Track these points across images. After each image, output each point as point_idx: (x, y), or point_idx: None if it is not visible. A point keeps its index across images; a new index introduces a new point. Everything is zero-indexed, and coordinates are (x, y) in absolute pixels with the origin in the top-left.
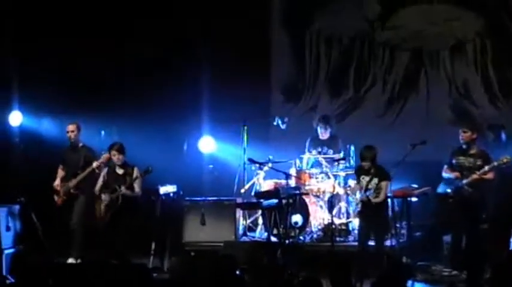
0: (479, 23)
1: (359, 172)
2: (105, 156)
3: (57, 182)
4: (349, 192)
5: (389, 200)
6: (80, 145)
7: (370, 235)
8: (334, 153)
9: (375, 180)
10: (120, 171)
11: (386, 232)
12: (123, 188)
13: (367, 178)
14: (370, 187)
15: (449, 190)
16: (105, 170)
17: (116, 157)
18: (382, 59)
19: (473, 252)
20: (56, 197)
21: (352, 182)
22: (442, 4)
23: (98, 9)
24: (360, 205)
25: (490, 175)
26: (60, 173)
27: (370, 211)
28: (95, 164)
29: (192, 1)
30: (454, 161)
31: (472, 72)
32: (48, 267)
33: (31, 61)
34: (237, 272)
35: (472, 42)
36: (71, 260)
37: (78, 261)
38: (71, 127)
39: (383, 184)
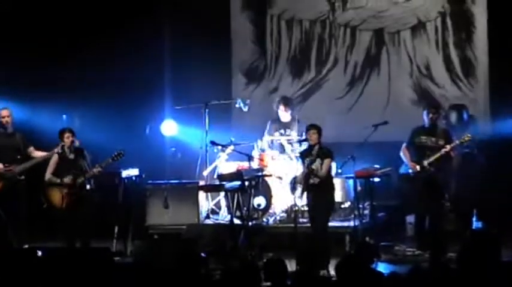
0: (440, 3)
1: (303, 155)
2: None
3: (0, 165)
4: (297, 185)
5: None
6: (12, 130)
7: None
8: (295, 135)
9: (318, 160)
10: (71, 156)
11: (328, 214)
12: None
13: (310, 159)
14: (313, 167)
15: (410, 171)
16: (55, 157)
17: (70, 139)
18: (344, 39)
19: (437, 232)
20: None
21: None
22: None
23: None
24: (302, 185)
25: (452, 153)
26: None
27: (313, 191)
28: (56, 150)
29: None
30: (416, 140)
31: (433, 52)
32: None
33: None
34: (201, 255)
35: (433, 22)
36: (26, 246)
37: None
38: (5, 112)
39: (326, 160)
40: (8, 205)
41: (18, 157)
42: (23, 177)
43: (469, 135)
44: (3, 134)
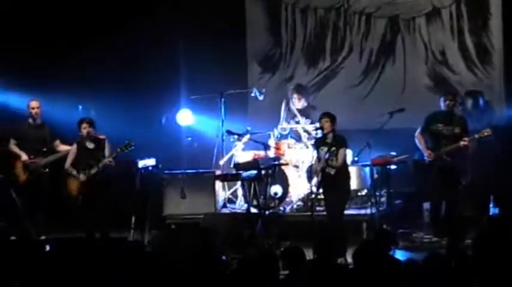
0: None
1: (317, 144)
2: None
3: (25, 157)
4: (313, 175)
5: (349, 169)
6: (41, 122)
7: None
8: (311, 123)
9: (333, 149)
10: (90, 145)
11: (344, 202)
12: (105, 161)
13: (325, 149)
14: (330, 161)
15: (426, 158)
16: (74, 146)
17: (86, 130)
18: (358, 27)
19: (454, 218)
20: (19, 174)
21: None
22: None
23: None
24: (319, 175)
25: (469, 145)
26: (15, 148)
27: (328, 181)
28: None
29: None
30: (432, 127)
31: (448, 39)
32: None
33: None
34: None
35: (448, 9)
36: (43, 237)
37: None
38: (35, 103)
39: (340, 150)
40: (30, 196)
41: (44, 149)
42: (47, 170)
43: (488, 130)
44: (32, 126)
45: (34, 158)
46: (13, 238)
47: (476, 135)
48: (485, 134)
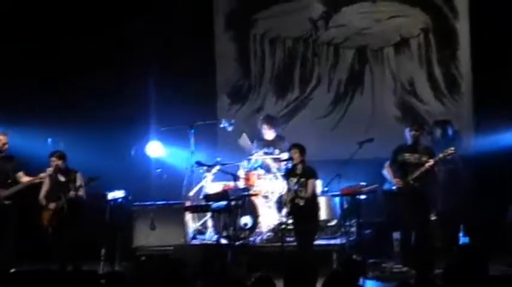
0: (423, 19)
1: (287, 175)
2: (49, 170)
3: None
4: (283, 206)
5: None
6: (8, 154)
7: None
8: (280, 153)
9: (302, 180)
10: (62, 178)
11: (313, 234)
12: (70, 194)
13: (294, 179)
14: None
15: (394, 187)
16: (47, 179)
17: (55, 163)
18: (327, 57)
19: (423, 248)
20: None
21: (284, 186)
22: (385, 1)
23: (37, 12)
24: (289, 206)
25: (436, 168)
26: None
27: (298, 212)
28: (43, 175)
29: (136, 7)
30: (399, 158)
31: (417, 69)
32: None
33: None
34: (189, 277)
35: (417, 39)
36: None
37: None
38: (2, 137)
39: (310, 181)
40: None
41: (9, 181)
42: (9, 202)
43: (452, 148)
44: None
45: None
46: None
47: (441, 155)
48: (449, 152)
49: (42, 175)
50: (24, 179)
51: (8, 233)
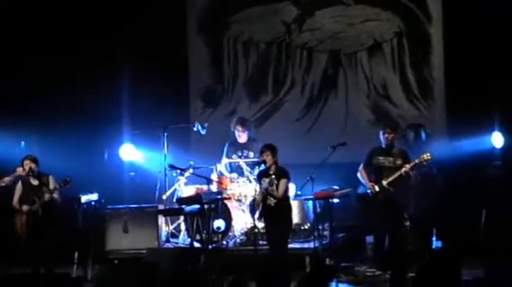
0: (396, 23)
1: (260, 176)
2: (19, 170)
3: None
4: (256, 207)
5: (291, 201)
6: None
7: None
8: (254, 156)
9: (274, 179)
10: (35, 182)
11: (286, 234)
12: (45, 197)
13: (267, 180)
14: (269, 189)
15: (369, 191)
16: (19, 183)
17: (28, 166)
18: (300, 61)
19: (396, 252)
20: None
21: (256, 190)
22: (359, 5)
23: (19, 16)
24: (260, 207)
25: (411, 173)
26: None
27: (270, 213)
28: (6, 179)
29: (108, 11)
30: (373, 161)
31: (390, 73)
32: None
33: None
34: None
35: (390, 43)
36: None
37: None
38: None
39: (281, 181)
40: None
41: None
42: None
43: (428, 154)
44: None
45: None
46: None
47: (417, 160)
48: (425, 158)
49: (8, 177)
50: None
51: None
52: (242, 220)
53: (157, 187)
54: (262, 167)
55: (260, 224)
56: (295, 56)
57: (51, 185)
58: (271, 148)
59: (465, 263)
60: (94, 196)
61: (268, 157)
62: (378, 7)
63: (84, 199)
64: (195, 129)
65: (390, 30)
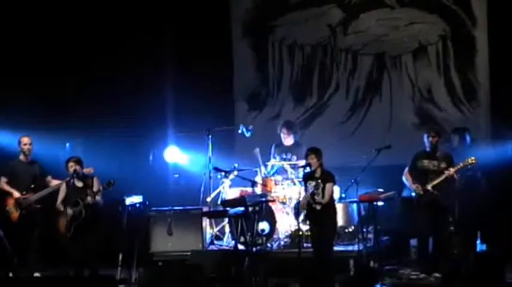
0: (441, 26)
1: (306, 179)
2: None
3: (17, 194)
4: (301, 209)
5: (336, 204)
6: (32, 158)
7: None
8: (298, 159)
9: (320, 183)
10: (79, 184)
11: (331, 238)
12: (88, 199)
13: (313, 183)
14: (315, 196)
15: (413, 194)
16: (64, 184)
17: (73, 168)
18: (345, 64)
19: (443, 255)
20: (12, 211)
21: (301, 192)
22: (404, 8)
23: (64, 20)
24: (305, 210)
25: (455, 176)
26: (6, 186)
27: (315, 216)
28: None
29: (153, 13)
30: (418, 165)
31: (435, 76)
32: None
33: None
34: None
35: (435, 46)
36: (37, 274)
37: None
38: (27, 140)
39: (327, 185)
40: (23, 233)
41: (33, 185)
42: (39, 205)
43: (473, 158)
44: (24, 163)
45: (26, 195)
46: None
47: (461, 164)
48: (470, 161)
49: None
50: (54, 182)
51: (34, 238)
52: (286, 223)
53: (202, 189)
54: (308, 169)
55: (304, 227)
56: (340, 59)
57: (95, 187)
58: (316, 151)
59: (509, 267)
60: (139, 198)
61: (313, 160)
62: (423, 10)
63: (128, 201)
64: (239, 131)
65: (435, 33)
